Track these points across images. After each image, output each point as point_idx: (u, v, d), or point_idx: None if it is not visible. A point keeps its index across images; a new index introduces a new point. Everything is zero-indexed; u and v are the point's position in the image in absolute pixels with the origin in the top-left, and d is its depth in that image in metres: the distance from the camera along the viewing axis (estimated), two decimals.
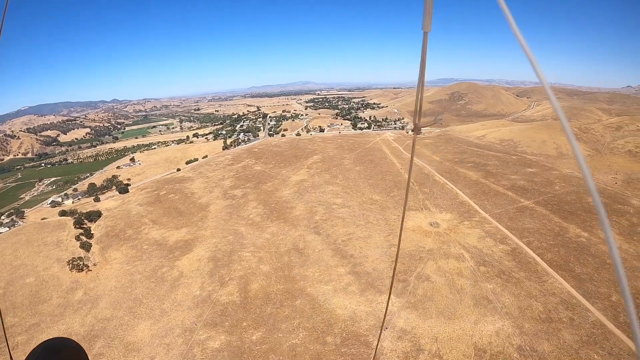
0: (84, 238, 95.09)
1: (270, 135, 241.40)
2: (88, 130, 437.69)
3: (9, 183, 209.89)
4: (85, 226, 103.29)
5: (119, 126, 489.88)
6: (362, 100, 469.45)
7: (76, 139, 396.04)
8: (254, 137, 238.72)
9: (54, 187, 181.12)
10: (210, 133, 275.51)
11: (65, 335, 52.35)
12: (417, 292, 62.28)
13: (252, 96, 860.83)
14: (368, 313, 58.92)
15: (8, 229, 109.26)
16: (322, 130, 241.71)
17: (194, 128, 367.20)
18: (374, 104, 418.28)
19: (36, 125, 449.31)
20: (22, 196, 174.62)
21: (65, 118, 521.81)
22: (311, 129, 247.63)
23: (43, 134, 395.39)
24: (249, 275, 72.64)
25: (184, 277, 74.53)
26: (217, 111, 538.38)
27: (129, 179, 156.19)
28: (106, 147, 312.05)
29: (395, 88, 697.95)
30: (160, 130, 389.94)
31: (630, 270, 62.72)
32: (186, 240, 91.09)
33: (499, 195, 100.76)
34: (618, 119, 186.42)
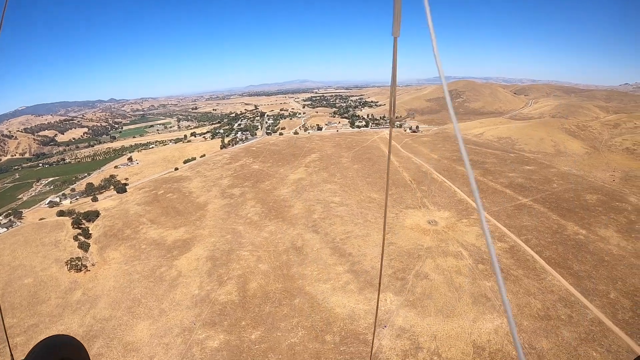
0: (82, 238, 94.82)
1: (268, 133, 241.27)
2: (85, 129, 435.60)
3: (6, 183, 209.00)
4: (83, 226, 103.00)
5: (116, 126, 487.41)
6: (359, 99, 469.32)
7: (74, 138, 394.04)
8: (252, 135, 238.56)
9: (52, 187, 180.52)
10: (207, 132, 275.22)
11: None
12: (415, 290, 62.35)
13: (250, 95, 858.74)
14: (367, 311, 58.95)
15: (6, 229, 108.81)
16: (319, 129, 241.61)
17: (192, 127, 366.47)
18: (372, 102, 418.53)
19: (33, 125, 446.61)
20: (19, 196, 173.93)
21: (62, 118, 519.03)
22: (309, 128, 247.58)
23: (40, 134, 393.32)
24: (247, 274, 72.59)
25: (183, 277, 74.42)
26: (215, 110, 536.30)
27: (126, 179, 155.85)
28: (104, 146, 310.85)
29: None
30: (157, 130, 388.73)
31: (628, 268, 62.94)
32: (184, 239, 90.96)
33: (496, 193, 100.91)
34: (615, 117, 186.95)
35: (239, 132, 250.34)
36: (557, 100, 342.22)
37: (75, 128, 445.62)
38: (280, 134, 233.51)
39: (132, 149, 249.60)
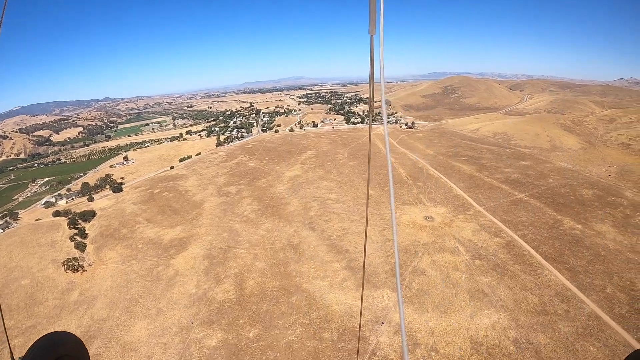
0: (78, 238, 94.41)
1: (263, 131, 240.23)
2: (81, 129, 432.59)
3: (2, 184, 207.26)
4: (79, 226, 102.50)
5: (111, 125, 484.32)
6: (355, 95, 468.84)
7: (69, 138, 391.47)
8: (248, 133, 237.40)
9: (48, 187, 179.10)
10: (203, 130, 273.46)
11: None
12: (412, 287, 62.51)
13: (245, 92, 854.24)
14: (364, 308, 59.07)
15: (2, 230, 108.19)
16: (315, 126, 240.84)
17: (187, 125, 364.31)
18: (367, 98, 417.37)
19: (28, 125, 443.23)
20: (15, 197, 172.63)
21: (57, 117, 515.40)
22: (304, 125, 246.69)
23: (35, 134, 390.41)
24: (244, 273, 72.54)
25: (180, 276, 74.28)
26: (210, 108, 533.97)
27: (122, 178, 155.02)
28: (99, 145, 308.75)
29: (388, 82, 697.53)
30: (153, 128, 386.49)
31: (625, 262, 63.34)
32: (181, 238, 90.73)
33: (493, 189, 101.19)
34: (611, 112, 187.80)
35: (235, 130, 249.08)
36: (552, 95, 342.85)
37: (70, 127, 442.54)
38: (276, 131, 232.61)
39: (127, 147, 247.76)
